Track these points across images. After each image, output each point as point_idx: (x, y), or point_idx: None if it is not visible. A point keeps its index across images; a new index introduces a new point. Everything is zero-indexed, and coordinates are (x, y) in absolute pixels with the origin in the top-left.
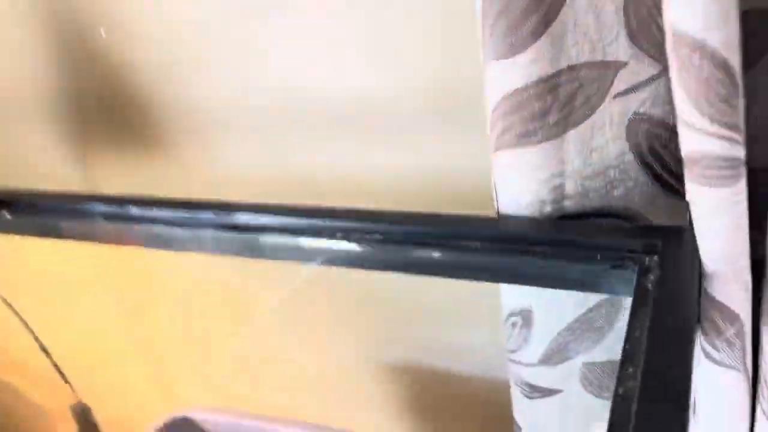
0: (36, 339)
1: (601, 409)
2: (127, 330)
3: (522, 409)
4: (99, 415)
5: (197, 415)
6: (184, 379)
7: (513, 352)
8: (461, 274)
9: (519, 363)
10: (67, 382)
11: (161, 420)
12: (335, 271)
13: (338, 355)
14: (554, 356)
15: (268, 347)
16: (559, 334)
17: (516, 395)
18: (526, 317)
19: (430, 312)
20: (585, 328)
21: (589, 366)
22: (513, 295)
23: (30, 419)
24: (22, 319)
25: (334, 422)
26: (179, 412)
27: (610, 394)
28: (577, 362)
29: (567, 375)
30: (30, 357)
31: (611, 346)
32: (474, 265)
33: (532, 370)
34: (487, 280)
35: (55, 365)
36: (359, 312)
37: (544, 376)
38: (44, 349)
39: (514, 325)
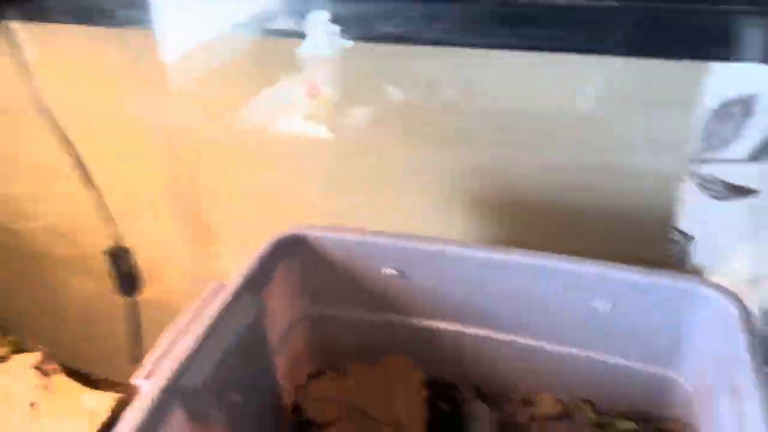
0: (86, 174)
1: None
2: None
3: (702, 215)
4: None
5: (310, 232)
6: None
7: (715, 148)
8: None
9: (721, 160)
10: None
11: (273, 238)
12: None
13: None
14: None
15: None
16: None
17: (698, 199)
18: (746, 105)
19: None
20: None
21: None
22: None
23: (67, 260)
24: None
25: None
26: (290, 231)
27: None
28: None
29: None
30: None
31: None
32: None
33: (738, 167)
34: None
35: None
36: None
37: (747, 174)
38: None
39: (730, 115)
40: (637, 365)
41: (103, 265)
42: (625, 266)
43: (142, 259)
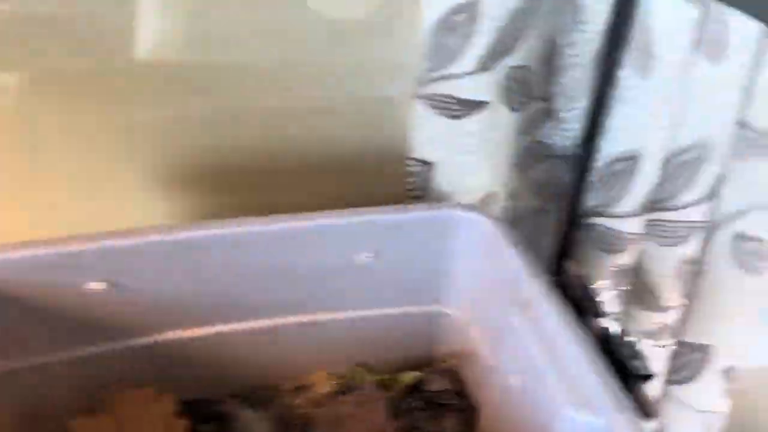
0: None
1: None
2: None
3: (439, 139)
4: None
5: None
6: None
7: (443, 66)
8: None
9: (449, 77)
10: None
11: None
12: None
13: None
14: (494, 55)
15: None
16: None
17: (432, 123)
18: (470, 10)
19: None
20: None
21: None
22: None
23: None
24: None
25: None
26: None
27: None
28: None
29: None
30: None
31: None
32: None
33: (468, 81)
34: None
35: None
36: None
37: (478, 86)
38: None
39: (454, 25)
40: (410, 309)
41: None
42: (377, 208)
43: None
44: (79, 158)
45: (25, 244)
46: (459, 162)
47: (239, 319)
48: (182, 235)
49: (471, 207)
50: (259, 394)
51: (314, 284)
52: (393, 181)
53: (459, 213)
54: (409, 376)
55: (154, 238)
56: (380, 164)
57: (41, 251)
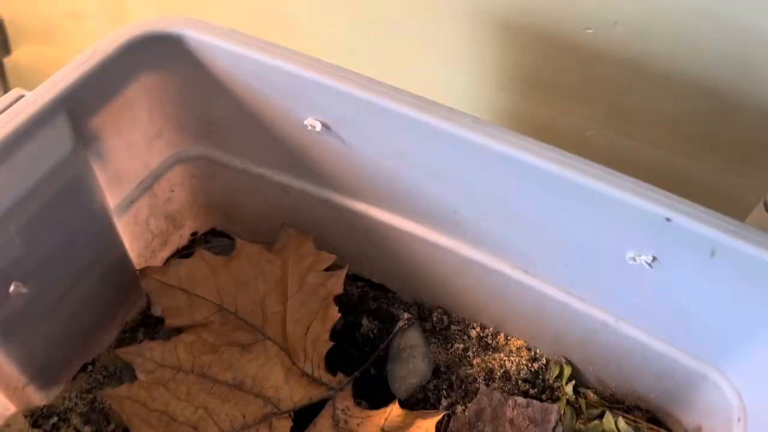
0: None
1: None
2: None
3: None
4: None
5: (193, 33)
6: None
7: None
8: None
9: None
10: None
11: (124, 33)
12: None
13: None
14: None
15: None
16: None
17: None
18: None
19: None
20: None
21: None
22: None
23: None
24: None
25: None
26: (153, 24)
27: None
28: None
29: None
30: None
31: None
32: None
33: None
34: None
35: None
36: None
37: None
38: None
39: None
40: (676, 353)
41: None
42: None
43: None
44: None
45: (258, 42)
46: None
47: (454, 237)
48: (453, 123)
49: None
50: (433, 320)
51: (572, 259)
52: None
53: None
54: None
55: (407, 102)
56: None
57: (271, 57)
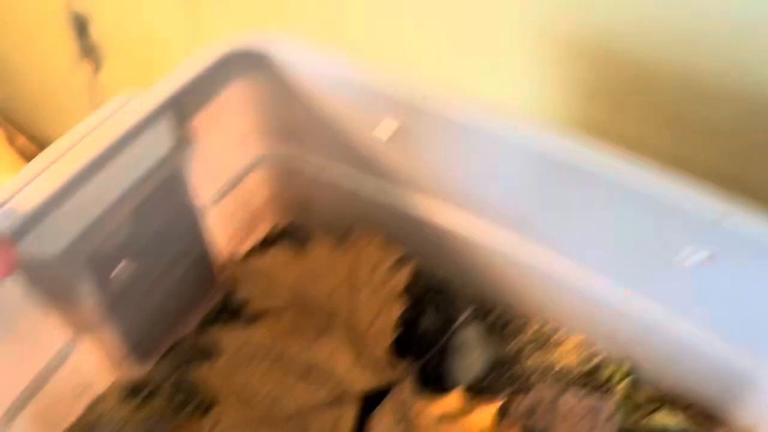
0: None
1: None
2: None
3: None
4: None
5: (275, 47)
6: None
7: None
8: None
9: None
10: None
11: (211, 51)
12: None
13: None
14: None
15: None
16: None
17: None
18: None
19: None
20: None
21: None
22: None
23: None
24: None
25: None
26: (242, 41)
27: None
28: None
29: None
30: None
31: None
32: None
33: None
34: None
35: None
36: None
37: None
38: None
39: None
40: (727, 350)
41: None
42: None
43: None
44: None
45: (340, 58)
46: None
47: (519, 238)
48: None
49: None
50: (493, 315)
51: (631, 258)
52: None
53: None
54: (671, 420)
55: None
56: None
57: (355, 73)
